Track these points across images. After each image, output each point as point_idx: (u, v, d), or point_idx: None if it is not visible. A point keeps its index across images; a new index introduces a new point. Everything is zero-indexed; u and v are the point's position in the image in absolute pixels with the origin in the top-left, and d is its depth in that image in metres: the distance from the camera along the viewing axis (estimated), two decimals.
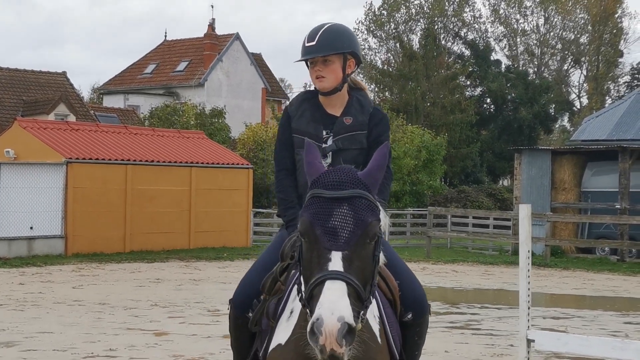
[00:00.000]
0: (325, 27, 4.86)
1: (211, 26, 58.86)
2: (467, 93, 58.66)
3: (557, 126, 72.57)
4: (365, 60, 61.85)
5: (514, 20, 71.25)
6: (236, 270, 24.21)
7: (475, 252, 32.66)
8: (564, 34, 73.81)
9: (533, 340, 8.54)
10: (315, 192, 3.77)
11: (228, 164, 31.51)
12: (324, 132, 4.85)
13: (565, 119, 73.42)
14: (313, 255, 3.68)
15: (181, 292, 19.23)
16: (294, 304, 4.33)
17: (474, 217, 33.77)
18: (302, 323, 4.14)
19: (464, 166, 53.49)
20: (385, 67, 56.77)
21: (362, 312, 3.61)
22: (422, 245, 34.14)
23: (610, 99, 75.76)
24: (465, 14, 64.20)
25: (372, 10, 63.68)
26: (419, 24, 61.74)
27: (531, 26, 72.56)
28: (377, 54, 64.58)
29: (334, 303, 3.49)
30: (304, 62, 4.92)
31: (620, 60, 75.77)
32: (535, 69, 70.87)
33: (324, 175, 3.81)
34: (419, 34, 60.12)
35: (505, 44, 71.57)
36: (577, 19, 73.63)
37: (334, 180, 3.76)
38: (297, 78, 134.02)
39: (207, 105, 48.91)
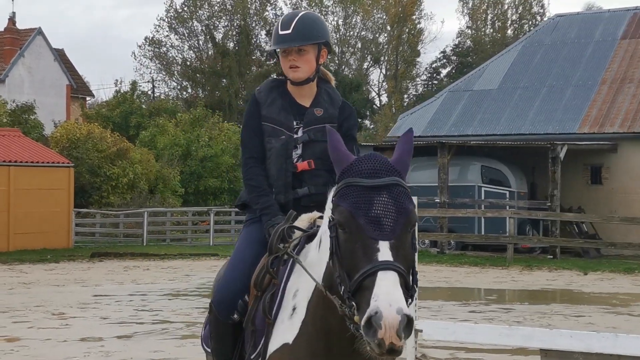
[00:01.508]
0: (300, 15, 4.71)
1: (12, 20, 56.33)
2: None
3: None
4: (168, 57, 61.14)
5: None
6: (64, 273, 23.36)
7: None
8: (363, 33, 75.41)
9: (421, 330, 8.62)
10: (351, 180, 3.59)
11: (47, 162, 30.28)
12: (294, 122, 4.66)
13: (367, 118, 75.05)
14: (356, 246, 3.49)
15: (16, 296, 18.39)
16: (296, 301, 4.13)
17: None
18: (313, 320, 3.96)
19: None
20: (198, 65, 56.18)
21: (410, 301, 3.46)
22: None
23: (407, 98, 78.18)
24: (267, 13, 64.39)
25: (174, 6, 62.74)
26: (221, 20, 61.32)
27: (331, 25, 73.73)
28: (180, 51, 63.90)
29: (391, 295, 3.33)
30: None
31: (417, 59, 78.11)
32: (337, 67, 72.08)
33: (357, 163, 3.64)
34: (224, 31, 59.71)
35: None
36: (376, 19, 75.42)
37: (369, 168, 3.60)
38: (95, 75, 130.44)
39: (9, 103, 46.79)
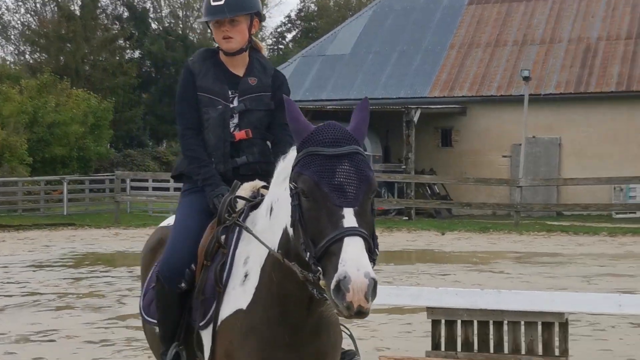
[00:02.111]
0: None
1: None
2: (127, 56, 57.80)
3: None
4: (3, 20, 58.95)
5: None
6: None
7: (157, 216, 32.53)
8: None
9: None
10: (313, 149, 3.67)
11: None
12: (230, 92, 4.70)
13: None
14: (321, 213, 3.58)
15: None
16: (247, 268, 4.20)
17: (153, 181, 33.57)
18: (268, 285, 4.04)
19: (128, 130, 52.90)
20: (42, 29, 54.30)
21: (373, 264, 3.59)
22: (102, 212, 33.53)
23: None
24: None
25: None
26: None
27: None
28: (15, 14, 61.66)
29: (358, 260, 3.45)
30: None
31: (263, 24, 78.01)
32: (180, 32, 71.13)
33: (317, 132, 3.72)
34: None
35: (150, 7, 71.01)
36: None
37: (330, 137, 3.68)
38: None
39: None
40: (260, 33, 79.61)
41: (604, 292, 10.97)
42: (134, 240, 24.31)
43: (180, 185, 4.97)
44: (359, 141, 3.74)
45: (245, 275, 4.18)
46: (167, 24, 66.83)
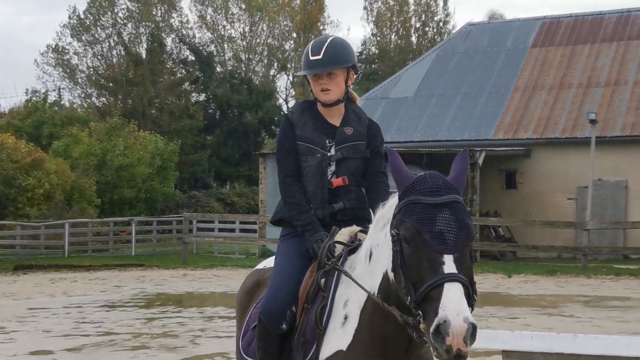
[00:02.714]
0: (329, 40, 4.98)
1: None
2: (193, 99, 58.77)
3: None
4: (71, 64, 60.19)
5: (221, 27, 71.96)
6: None
7: (221, 257, 32.93)
8: (269, 40, 75.51)
9: None
10: (414, 198, 3.87)
11: None
12: (327, 141, 4.94)
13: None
14: (422, 259, 3.78)
15: None
16: (347, 310, 4.40)
17: (219, 222, 34.01)
18: (369, 328, 4.24)
19: (193, 171, 53.64)
20: (109, 72, 55.54)
21: (471, 309, 3.77)
22: (168, 252, 34.03)
23: None
24: (172, 19, 63.87)
25: (77, 13, 61.58)
26: (126, 27, 60.50)
27: (238, 32, 73.70)
28: (83, 58, 62.94)
29: (458, 305, 3.64)
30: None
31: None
32: (244, 74, 72.06)
33: (419, 182, 3.93)
34: (128, 38, 59.05)
35: (214, 49, 72.17)
36: (282, 27, 75.63)
37: (431, 186, 3.89)
38: None
39: None
40: None
41: None
42: (202, 281, 24.67)
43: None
44: (458, 190, 3.94)
45: (345, 318, 4.38)
46: (230, 67, 67.82)
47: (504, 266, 26.73)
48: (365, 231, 4.63)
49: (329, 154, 4.92)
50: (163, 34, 59.31)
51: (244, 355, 5.03)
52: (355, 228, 4.73)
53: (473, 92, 36.12)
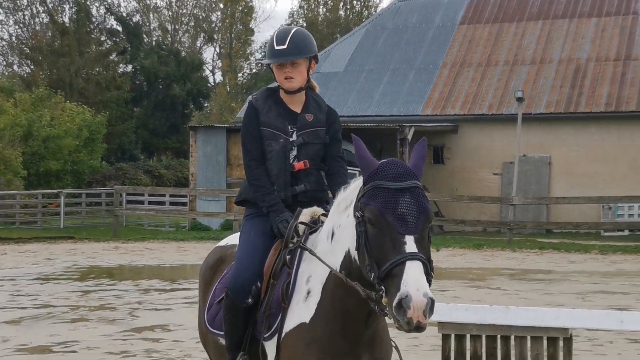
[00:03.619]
0: (293, 31, 5.26)
1: None
2: (120, 70, 58.26)
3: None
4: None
5: None
6: None
7: (152, 229, 32.97)
8: (196, 11, 75.00)
9: None
10: (378, 183, 4.20)
11: None
12: (289, 127, 5.23)
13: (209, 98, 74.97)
14: (385, 239, 4.10)
15: None
16: (309, 285, 4.72)
17: (149, 195, 33.99)
18: (331, 302, 4.56)
19: (120, 143, 53.31)
20: (33, 41, 54.65)
21: (429, 285, 4.11)
22: (98, 225, 33.93)
23: (242, 77, 78.48)
24: None
25: None
26: None
27: (164, 3, 73.14)
28: (4, 25, 61.81)
29: (418, 281, 3.99)
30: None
31: (251, 38, 78.29)
32: (169, 45, 71.53)
33: (382, 168, 4.25)
34: (52, 6, 58.02)
35: (139, 20, 71.46)
36: None
37: (394, 172, 4.21)
38: None
39: None
40: (249, 48, 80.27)
41: (598, 309, 11.46)
42: (134, 254, 24.76)
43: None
44: (418, 177, 4.27)
45: (308, 293, 4.70)
46: (155, 38, 67.24)
47: (432, 240, 27.24)
48: (326, 214, 4.94)
49: (291, 139, 5.21)
50: (88, 3, 58.51)
51: (210, 328, 5.32)
52: (317, 210, 5.05)
53: (402, 68, 36.60)
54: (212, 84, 74.35)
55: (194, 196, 32.28)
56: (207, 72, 75.70)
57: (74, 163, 41.76)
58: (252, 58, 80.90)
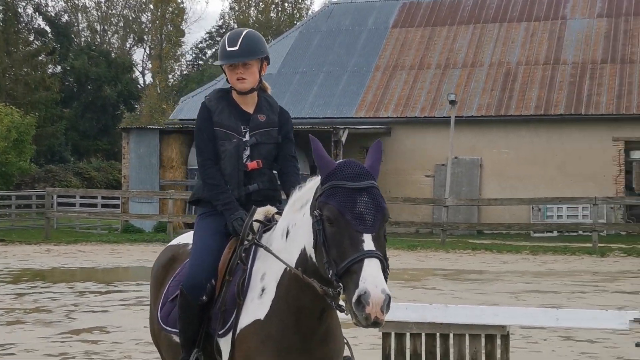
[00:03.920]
0: (245, 33, 5.33)
1: None
2: (49, 70, 57.46)
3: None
4: None
5: None
6: None
7: (83, 232, 32.64)
8: (125, 12, 74.39)
9: None
10: (337, 183, 4.28)
11: None
12: (242, 127, 5.30)
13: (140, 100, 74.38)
14: (344, 237, 4.19)
15: None
16: (264, 283, 4.79)
17: (80, 197, 33.64)
18: (285, 298, 4.64)
19: (50, 145, 52.59)
20: None
21: (385, 281, 4.21)
22: (28, 227, 33.46)
23: (172, 78, 78.08)
24: None
25: None
26: None
27: (93, 3, 72.40)
28: None
29: (376, 278, 4.07)
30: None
31: (182, 39, 77.94)
32: (100, 45, 70.84)
33: (340, 168, 4.33)
34: None
35: (67, 19, 70.62)
36: None
37: (352, 172, 4.30)
38: None
39: None
40: (180, 49, 79.93)
41: (532, 308, 11.71)
42: (67, 256, 24.51)
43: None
44: (374, 177, 4.37)
45: (263, 290, 4.77)
46: (83, 38, 66.50)
47: None
48: (280, 212, 5.02)
49: (244, 139, 5.27)
50: (16, 1, 57.62)
51: (163, 325, 5.36)
52: (270, 208, 5.12)
53: (335, 70, 36.82)
54: (142, 85, 73.79)
55: (127, 198, 32.05)
56: (137, 73, 75.09)
57: (2, 165, 41.02)
58: (182, 59, 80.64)
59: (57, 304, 15.56)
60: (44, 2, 61.97)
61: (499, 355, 9.38)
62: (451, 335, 9.56)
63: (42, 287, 17.90)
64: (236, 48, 5.24)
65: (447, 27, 37.30)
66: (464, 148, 32.57)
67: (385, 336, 9.73)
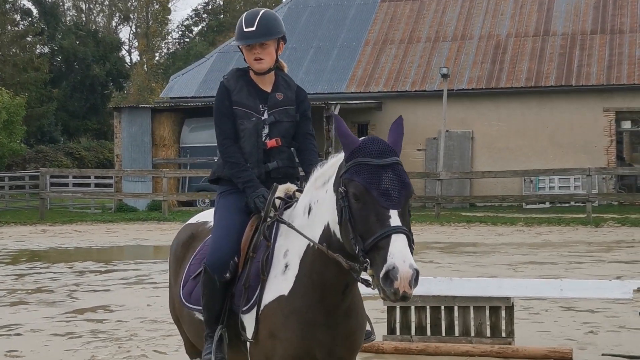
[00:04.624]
0: (261, 13, 5.37)
1: None
2: (38, 51, 57.21)
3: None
4: None
5: None
6: None
7: (77, 212, 32.66)
8: None
9: None
10: (361, 160, 4.35)
11: None
12: (260, 106, 5.36)
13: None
14: (370, 213, 4.26)
15: None
16: (287, 259, 4.86)
17: (73, 177, 33.63)
18: (309, 274, 4.72)
19: (40, 125, 52.46)
20: None
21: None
22: (21, 208, 33.46)
23: (159, 56, 77.82)
24: None
25: None
26: None
27: None
28: None
29: (404, 253, 4.15)
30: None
31: (168, 17, 77.62)
32: (84, 25, 70.45)
33: (364, 145, 4.40)
34: None
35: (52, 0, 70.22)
36: None
37: (376, 150, 4.37)
38: None
39: None
40: (167, 27, 79.65)
41: (535, 279, 11.85)
42: (63, 236, 24.55)
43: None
44: (398, 153, 4.44)
45: (286, 266, 4.85)
46: (69, 17, 66.17)
47: None
48: (300, 190, 5.09)
49: (262, 118, 5.33)
50: None
51: (186, 303, 5.43)
52: (291, 186, 5.20)
53: (325, 45, 36.79)
54: (129, 64, 73.54)
55: (120, 177, 32.06)
56: (124, 52, 74.81)
57: None
58: (169, 37, 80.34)
59: (58, 284, 15.62)
60: None
61: (503, 327, 9.53)
62: (456, 308, 9.70)
63: (41, 268, 17.95)
64: (253, 28, 5.28)
65: (436, 0, 37.25)
66: (455, 121, 32.66)
67: (390, 310, 9.86)
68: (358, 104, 33.42)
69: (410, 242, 4.28)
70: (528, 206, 30.19)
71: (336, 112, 30.93)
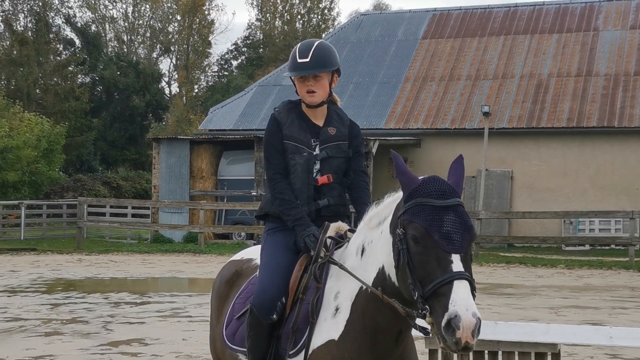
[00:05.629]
0: (316, 44, 5.19)
1: None
2: (79, 80, 57.71)
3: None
4: None
5: (103, 7, 70.86)
6: None
7: (113, 242, 32.65)
8: (152, 22, 74.73)
9: None
10: (422, 200, 4.13)
11: None
12: (312, 141, 5.16)
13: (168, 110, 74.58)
14: (431, 257, 4.04)
15: None
16: (338, 302, 4.65)
17: (110, 207, 33.67)
18: (361, 319, 4.50)
19: (79, 154, 52.79)
20: None
21: None
22: (58, 237, 33.52)
23: (198, 89, 78.27)
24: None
25: None
26: (3, 4, 58.84)
27: (120, 13, 72.67)
28: None
29: (467, 301, 3.93)
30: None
31: (209, 50, 78.18)
32: (127, 56, 71.09)
33: (425, 185, 4.19)
34: (23, 18, 57.67)
35: (95, 30, 70.98)
36: (165, 9, 74.89)
37: (437, 190, 4.16)
38: None
39: None
40: (207, 60, 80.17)
41: (575, 324, 11.53)
42: (99, 266, 24.48)
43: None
44: (459, 194, 4.23)
45: (337, 309, 4.63)
46: (110, 48, 66.76)
47: None
48: (352, 229, 4.88)
49: (314, 153, 5.13)
50: (45, 12, 57.89)
51: (229, 344, 5.22)
52: (342, 225, 4.98)
53: (365, 81, 36.70)
54: (168, 95, 74.02)
55: (157, 208, 32.04)
56: (163, 83, 75.35)
57: (32, 174, 41.17)
58: (208, 70, 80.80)
59: (93, 314, 15.49)
60: (73, 12, 62.27)
61: None
62: (500, 353, 9.41)
63: (77, 297, 17.85)
64: (307, 60, 5.10)
65: (478, 38, 37.11)
66: (494, 160, 32.34)
67: (432, 353, 9.56)
68: (397, 140, 33.22)
69: (473, 289, 4.07)
70: (567, 248, 29.72)
71: (375, 148, 30.75)
